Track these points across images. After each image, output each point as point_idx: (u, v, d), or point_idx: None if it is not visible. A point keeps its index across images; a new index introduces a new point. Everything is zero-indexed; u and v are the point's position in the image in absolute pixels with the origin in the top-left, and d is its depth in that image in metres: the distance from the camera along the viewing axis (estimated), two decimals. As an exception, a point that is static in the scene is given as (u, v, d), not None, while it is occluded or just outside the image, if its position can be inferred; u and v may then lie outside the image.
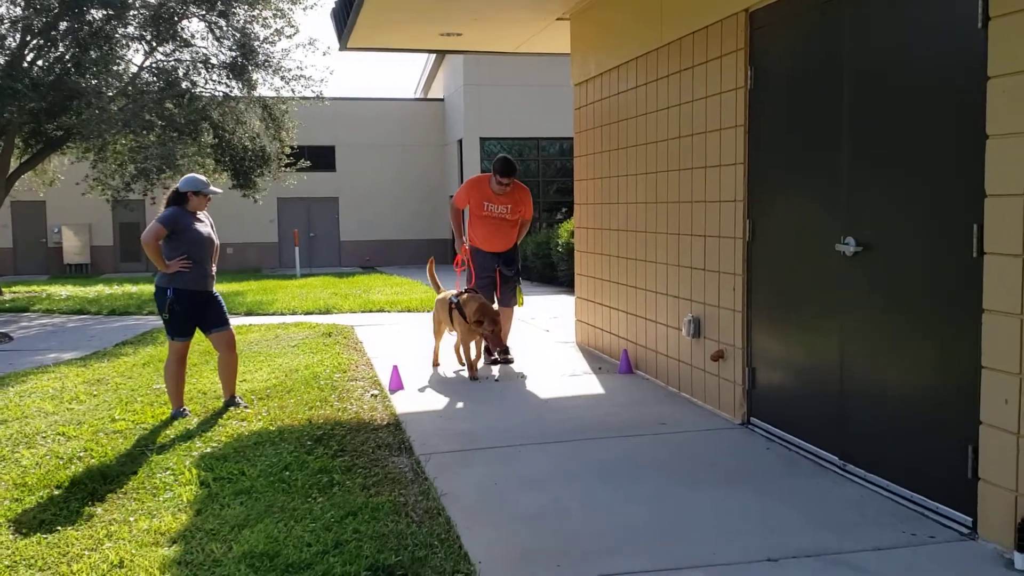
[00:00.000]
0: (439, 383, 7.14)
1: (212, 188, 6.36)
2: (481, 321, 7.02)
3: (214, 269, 6.37)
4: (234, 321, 6.92)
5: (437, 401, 6.51)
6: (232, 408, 6.38)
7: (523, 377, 7.32)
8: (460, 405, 6.43)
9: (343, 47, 10.09)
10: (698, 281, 6.24)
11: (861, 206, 4.50)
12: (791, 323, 5.21)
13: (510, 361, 7.86)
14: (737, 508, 4.18)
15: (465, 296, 7.31)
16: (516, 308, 8.30)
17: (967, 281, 3.74)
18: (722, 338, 5.89)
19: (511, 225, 7.91)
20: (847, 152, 4.60)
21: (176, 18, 17.26)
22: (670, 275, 6.70)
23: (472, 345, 7.28)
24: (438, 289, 8.05)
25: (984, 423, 3.68)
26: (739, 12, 5.52)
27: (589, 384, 7.03)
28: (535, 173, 24.50)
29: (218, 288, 6.57)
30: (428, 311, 12.77)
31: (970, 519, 3.80)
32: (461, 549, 3.74)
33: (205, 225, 6.32)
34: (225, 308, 6.46)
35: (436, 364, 7.77)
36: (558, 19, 8.72)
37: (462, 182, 16.32)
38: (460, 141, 25.57)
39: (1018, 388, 3.48)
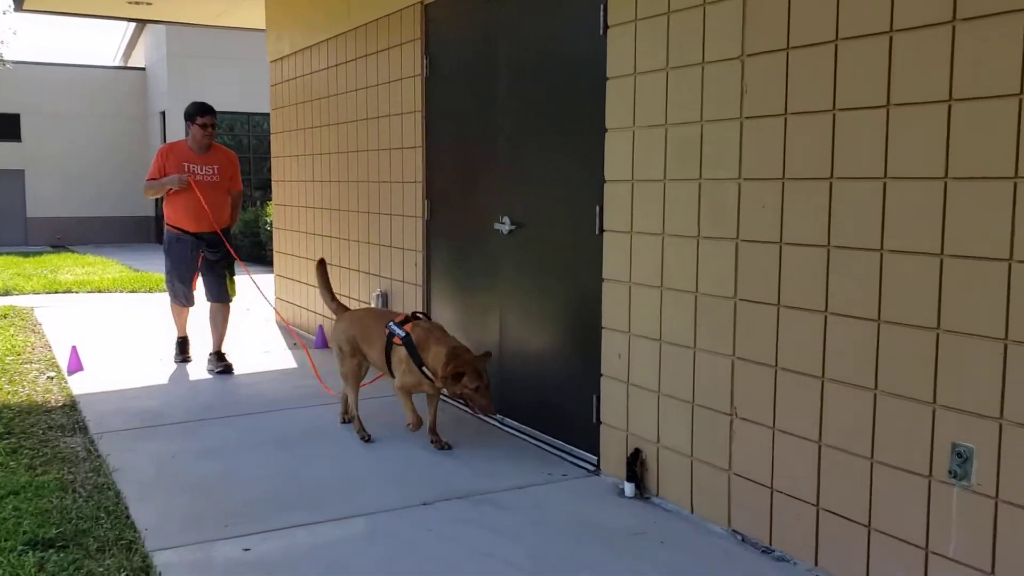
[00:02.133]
0: (123, 364, 6.95)
1: None
2: (460, 375, 4.42)
3: None
4: None
5: (119, 381, 6.35)
6: None
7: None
8: (143, 384, 6.32)
9: (19, 7, 9.41)
10: (386, 257, 6.59)
11: (515, 189, 5.04)
12: (463, 295, 5.70)
13: (230, 370, 6.63)
14: (403, 463, 4.57)
15: (419, 328, 4.71)
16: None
17: (592, 254, 4.34)
18: (407, 310, 6.26)
19: (221, 193, 6.57)
20: (504, 139, 5.12)
21: None
22: (361, 252, 7.00)
23: (431, 404, 4.84)
24: (334, 300, 5.42)
25: (604, 375, 4.31)
26: (415, 4, 5.90)
27: (283, 360, 7.17)
28: (247, 149, 23.81)
29: None
30: (121, 291, 12.19)
31: (595, 458, 4.44)
32: (129, 519, 3.80)
33: None
34: None
35: (351, 421, 5.08)
36: (252, -6, 8.69)
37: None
38: (163, 113, 24.25)
39: (627, 344, 4.13)
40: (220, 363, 6.64)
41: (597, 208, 4.30)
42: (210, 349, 6.73)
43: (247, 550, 3.53)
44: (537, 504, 4.02)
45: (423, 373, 4.60)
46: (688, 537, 3.64)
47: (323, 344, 7.55)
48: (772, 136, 3.34)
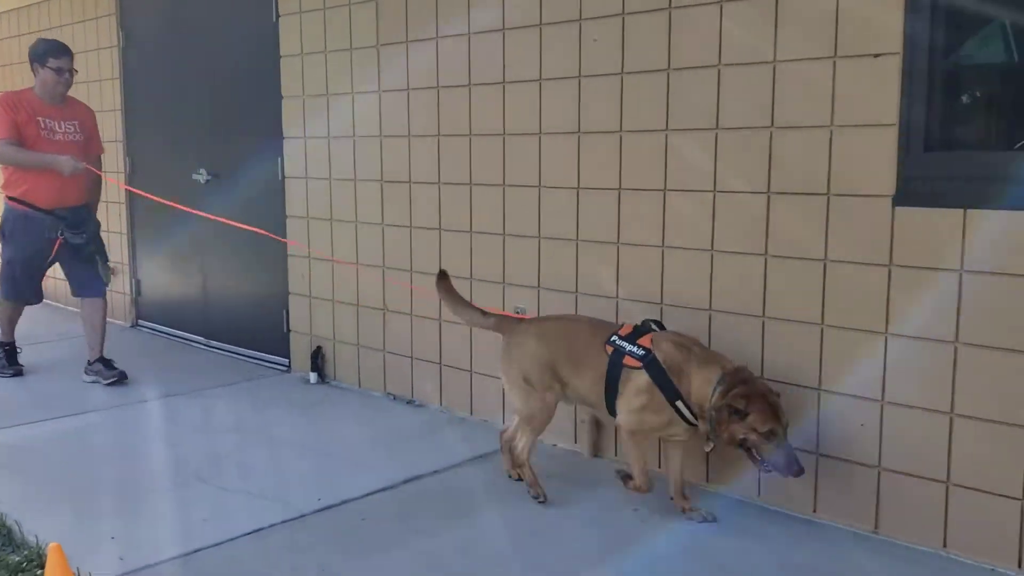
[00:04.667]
0: None
1: None
2: (743, 412, 3.04)
3: None
4: None
5: None
6: None
7: None
8: None
9: None
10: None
11: (210, 145, 6.00)
12: (167, 239, 6.54)
13: (124, 377, 5.25)
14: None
15: (668, 343, 3.29)
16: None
17: (277, 197, 5.43)
18: (113, 257, 6.96)
19: (84, 157, 5.24)
20: (198, 105, 6.04)
21: None
22: (63, 208, 7.52)
23: (676, 457, 3.40)
24: (478, 310, 3.83)
25: (292, 293, 5.45)
26: (109, -18, 6.59)
27: None
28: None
29: None
30: None
31: (287, 360, 5.57)
32: None
33: None
34: None
35: (541, 497, 3.52)
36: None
37: None
38: None
39: (308, 266, 5.29)
40: (112, 370, 5.25)
41: (279, 159, 5.40)
42: (89, 357, 5.34)
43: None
44: (240, 394, 5.11)
45: (678, 411, 3.21)
46: (355, 400, 4.93)
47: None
48: (399, 105, 4.64)
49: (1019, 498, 2.84)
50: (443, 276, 3.86)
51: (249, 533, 3.26)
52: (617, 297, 3.84)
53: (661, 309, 3.69)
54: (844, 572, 2.98)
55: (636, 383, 3.25)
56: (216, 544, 3.17)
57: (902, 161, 3.01)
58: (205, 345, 6.20)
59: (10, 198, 5.20)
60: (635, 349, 3.26)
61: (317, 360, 5.28)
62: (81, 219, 5.19)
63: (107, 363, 5.29)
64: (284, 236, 5.38)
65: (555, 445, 4.13)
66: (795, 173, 3.27)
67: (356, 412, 4.73)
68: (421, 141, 4.58)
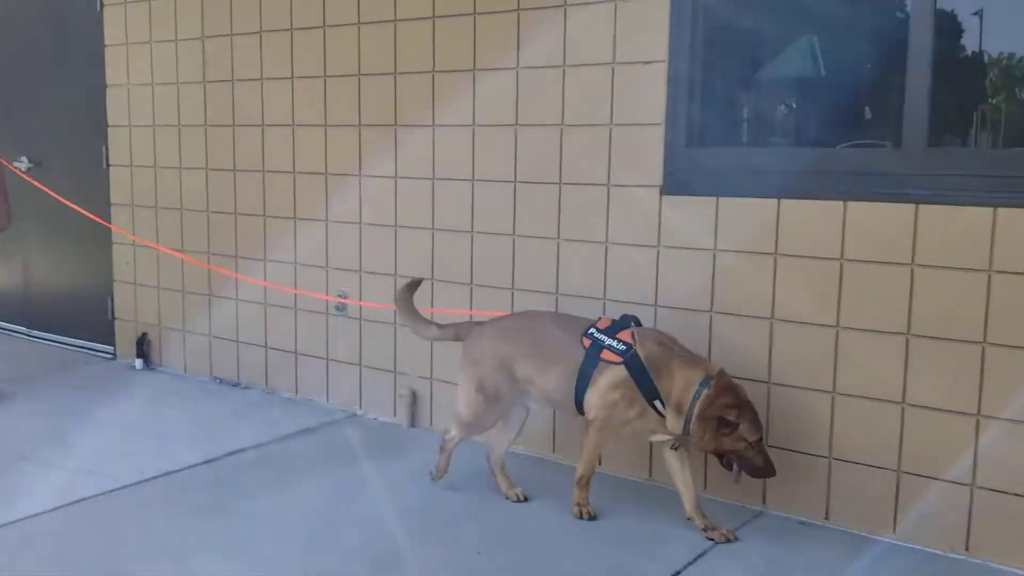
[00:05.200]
0: None
1: None
2: (733, 423, 3.01)
3: None
4: None
5: None
6: None
7: None
8: None
9: None
10: None
11: (32, 133, 5.92)
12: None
13: None
14: None
15: (649, 339, 3.20)
16: None
17: (101, 184, 5.44)
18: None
19: None
20: (18, 93, 5.95)
21: None
22: None
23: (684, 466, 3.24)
24: (424, 320, 3.64)
25: (116, 280, 5.49)
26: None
27: None
28: None
29: None
30: None
31: (112, 348, 5.59)
32: None
33: None
34: None
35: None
36: None
37: None
38: None
39: (133, 253, 5.34)
40: None
41: (104, 148, 5.42)
42: None
43: None
44: (63, 380, 5.12)
45: (655, 409, 3.12)
46: (181, 385, 5.03)
47: None
48: (224, 94, 4.79)
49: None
50: (411, 287, 3.58)
51: (72, 503, 3.38)
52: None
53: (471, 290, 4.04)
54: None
55: (612, 377, 3.14)
56: (37, 514, 3.28)
57: (667, 156, 3.47)
58: (26, 335, 6.10)
59: None
60: (615, 343, 3.15)
61: (143, 347, 5.34)
62: None
63: None
64: (108, 222, 5.40)
65: (376, 418, 4.41)
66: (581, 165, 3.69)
67: (182, 395, 4.84)
68: (246, 131, 4.76)
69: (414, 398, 4.29)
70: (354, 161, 4.36)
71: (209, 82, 4.85)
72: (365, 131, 4.30)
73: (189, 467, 3.77)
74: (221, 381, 5.03)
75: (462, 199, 4.01)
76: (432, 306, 4.06)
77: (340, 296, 4.45)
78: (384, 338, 4.35)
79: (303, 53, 4.47)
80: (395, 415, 4.37)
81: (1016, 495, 2.89)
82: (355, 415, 4.47)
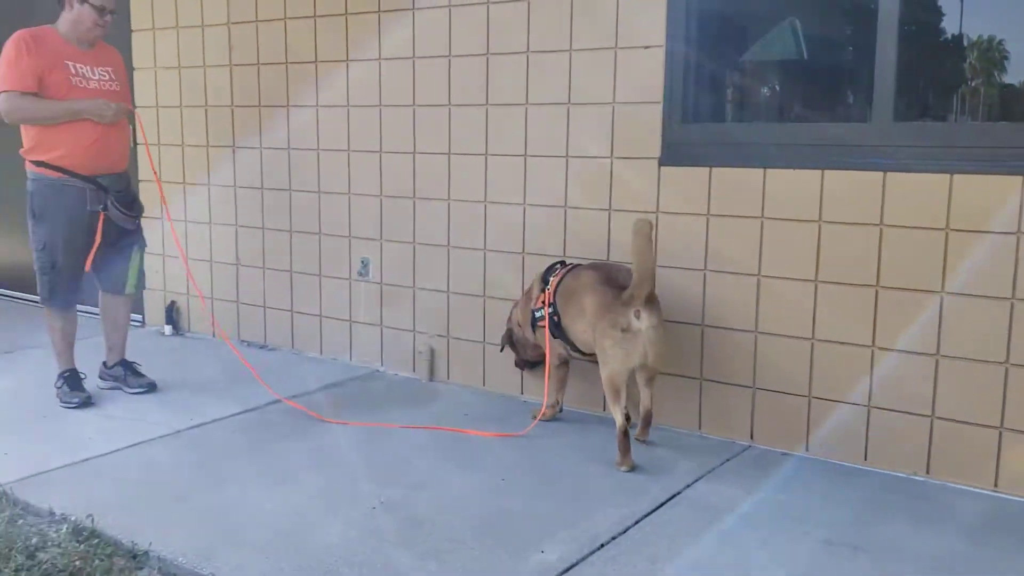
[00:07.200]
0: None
1: None
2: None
3: None
4: None
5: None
6: None
7: None
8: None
9: None
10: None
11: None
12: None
13: (152, 388, 4.56)
14: None
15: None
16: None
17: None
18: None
19: (121, 112, 4.27)
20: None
21: None
22: None
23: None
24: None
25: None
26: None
27: None
28: None
29: None
30: None
31: (141, 316, 5.96)
32: None
33: None
34: None
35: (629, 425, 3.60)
36: None
37: None
38: None
39: (161, 228, 5.70)
40: (140, 378, 4.58)
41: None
42: (107, 360, 4.66)
43: None
44: (95, 345, 5.46)
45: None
46: (209, 347, 5.41)
47: None
48: (250, 78, 5.15)
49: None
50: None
51: (130, 445, 3.78)
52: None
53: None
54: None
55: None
56: (103, 454, 3.67)
57: (665, 131, 3.88)
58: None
59: (38, 163, 4.10)
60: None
61: (172, 314, 5.72)
62: (130, 192, 4.35)
63: (133, 367, 4.63)
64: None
65: (397, 374, 4.82)
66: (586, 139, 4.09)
67: (213, 355, 5.23)
68: (253, 111, 5.13)
69: (432, 354, 4.69)
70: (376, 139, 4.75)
71: (236, 66, 5.21)
72: (386, 112, 4.68)
73: (233, 415, 4.17)
74: (248, 343, 5.41)
75: (475, 174, 4.41)
76: (449, 274, 4.47)
77: (363, 263, 4.85)
78: (403, 300, 4.75)
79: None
80: (414, 371, 4.77)
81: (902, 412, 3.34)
82: (378, 371, 4.88)
